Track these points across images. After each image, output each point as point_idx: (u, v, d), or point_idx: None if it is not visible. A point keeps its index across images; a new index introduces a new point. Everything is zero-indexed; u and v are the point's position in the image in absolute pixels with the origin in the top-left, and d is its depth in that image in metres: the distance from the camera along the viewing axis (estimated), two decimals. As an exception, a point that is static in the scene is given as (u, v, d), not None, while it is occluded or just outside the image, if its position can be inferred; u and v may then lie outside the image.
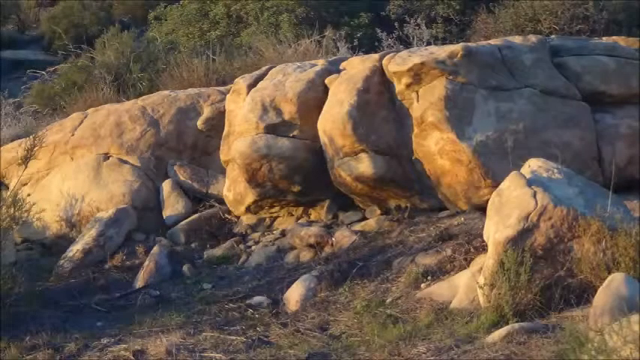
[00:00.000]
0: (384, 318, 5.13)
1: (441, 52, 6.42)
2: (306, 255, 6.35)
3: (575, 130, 6.39)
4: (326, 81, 6.85)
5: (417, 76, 6.36)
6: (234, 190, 7.16)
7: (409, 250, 5.93)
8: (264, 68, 7.54)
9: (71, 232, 7.39)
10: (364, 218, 6.69)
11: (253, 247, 6.73)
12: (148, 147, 7.85)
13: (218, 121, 7.70)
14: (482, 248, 5.41)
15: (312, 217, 6.97)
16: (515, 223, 4.81)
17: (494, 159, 6.11)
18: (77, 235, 7.17)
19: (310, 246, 6.42)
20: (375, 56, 6.84)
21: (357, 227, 6.54)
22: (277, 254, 6.49)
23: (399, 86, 6.50)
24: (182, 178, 7.65)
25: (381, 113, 6.53)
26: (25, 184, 7.74)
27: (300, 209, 7.06)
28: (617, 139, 6.46)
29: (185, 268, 6.54)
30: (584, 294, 4.66)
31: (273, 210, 7.14)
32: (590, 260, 4.68)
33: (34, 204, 6.38)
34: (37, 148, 6.60)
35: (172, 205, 7.47)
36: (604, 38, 7.43)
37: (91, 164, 7.79)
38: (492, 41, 7.03)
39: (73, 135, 8.13)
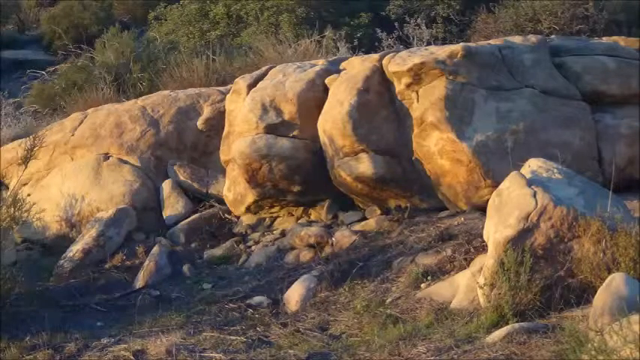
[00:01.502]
0: (384, 318, 5.13)
1: (441, 52, 6.42)
2: (306, 255, 6.34)
3: (575, 130, 6.38)
4: (326, 81, 6.85)
5: (417, 76, 6.36)
6: (234, 190, 7.16)
7: (409, 250, 5.93)
8: (264, 68, 7.54)
9: (71, 232, 7.39)
10: (364, 218, 6.68)
11: (253, 247, 6.73)
12: (148, 147, 7.86)
13: (218, 121, 7.71)
14: (483, 248, 5.41)
15: (312, 217, 6.97)
16: (515, 223, 4.81)
17: (494, 159, 6.11)
18: (77, 235, 7.18)
19: (310, 246, 6.42)
20: (375, 56, 6.84)
21: (357, 227, 6.54)
22: (277, 254, 6.49)
23: (399, 86, 6.50)
24: (182, 178, 7.66)
25: (381, 113, 6.53)
26: (25, 184, 7.75)
27: (300, 209, 7.06)
28: (617, 139, 6.46)
29: (185, 268, 6.55)
30: (584, 294, 4.66)
31: (273, 210, 7.15)
32: (590, 260, 4.68)
33: (34, 204, 6.39)
34: (37, 148, 6.61)
35: (172, 205, 7.47)
36: (604, 38, 7.44)
37: (91, 164, 7.79)
38: (492, 41, 7.04)
39: (73, 135, 8.14)
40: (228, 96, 7.52)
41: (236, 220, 7.23)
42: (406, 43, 10.39)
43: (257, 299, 5.81)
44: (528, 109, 6.34)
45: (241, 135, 6.97)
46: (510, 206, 4.90)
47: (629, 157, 6.46)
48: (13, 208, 6.08)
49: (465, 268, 5.34)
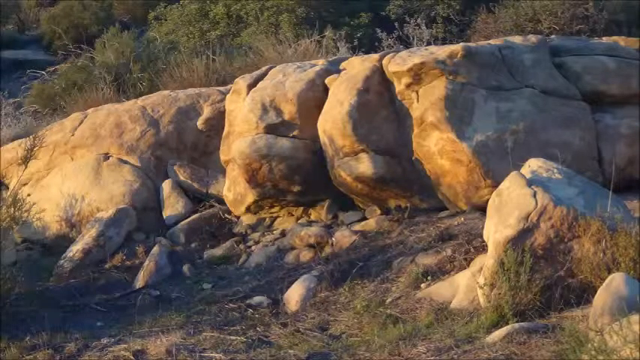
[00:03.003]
0: (384, 318, 5.13)
1: (441, 52, 6.42)
2: (306, 255, 6.35)
3: (575, 130, 6.39)
4: (326, 81, 6.85)
5: (417, 76, 6.36)
6: (234, 190, 7.16)
7: (409, 250, 5.93)
8: (264, 68, 7.54)
9: (71, 232, 7.39)
10: (364, 218, 6.68)
11: (253, 247, 6.73)
12: (148, 147, 7.86)
13: (218, 121, 7.71)
14: (483, 248, 5.41)
15: (312, 217, 6.97)
16: (515, 223, 4.81)
17: (494, 159, 6.11)
18: (77, 235, 7.17)
19: (310, 246, 6.42)
20: (375, 56, 6.84)
21: (357, 227, 6.54)
22: (277, 254, 6.49)
23: (399, 86, 6.50)
24: (182, 178, 7.66)
25: (381, 113, 6.53)
26: (25, 184, 7.75)
27: (300, 209, 7.06)
28: (617, 139, 6.46)
29: (185, 268, 6.55)
30: (584, 294, 4.66)
31: (273, 210, 7.15)
32: (590, 260, 4.68)
33: (34, 204, 6.39)
34: (37, 148, 6.61)
35: (172, 205, 7.47)
36: (604, 38, 7.44)
37: (91, 164, 7.79)
38: (492, 41, 7.03)
39: (73, 135, 8.14)
40: (228, 96, 7.52)
41: (236, 220, 7.23)
42: (406, 43, 10.39)
43: (257, 299, 5.81)
44: (528, 109, 6.34)
45: (241, 135, 6.97)
46: (510, 206, 4.90)
47: (629, 157, 6.46)
48: (13, 208, 6.08)
49: (465, 268, 5.34)
